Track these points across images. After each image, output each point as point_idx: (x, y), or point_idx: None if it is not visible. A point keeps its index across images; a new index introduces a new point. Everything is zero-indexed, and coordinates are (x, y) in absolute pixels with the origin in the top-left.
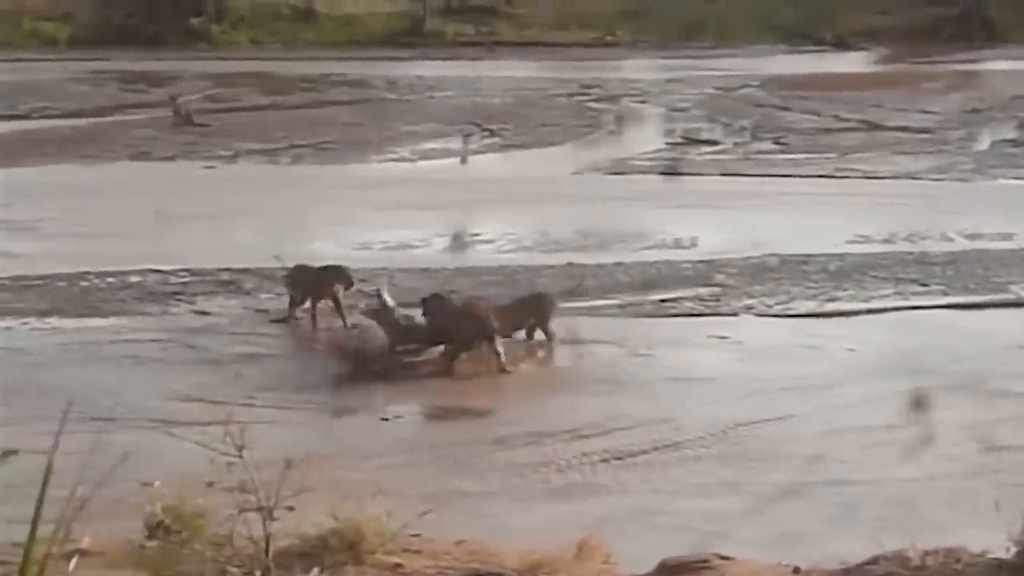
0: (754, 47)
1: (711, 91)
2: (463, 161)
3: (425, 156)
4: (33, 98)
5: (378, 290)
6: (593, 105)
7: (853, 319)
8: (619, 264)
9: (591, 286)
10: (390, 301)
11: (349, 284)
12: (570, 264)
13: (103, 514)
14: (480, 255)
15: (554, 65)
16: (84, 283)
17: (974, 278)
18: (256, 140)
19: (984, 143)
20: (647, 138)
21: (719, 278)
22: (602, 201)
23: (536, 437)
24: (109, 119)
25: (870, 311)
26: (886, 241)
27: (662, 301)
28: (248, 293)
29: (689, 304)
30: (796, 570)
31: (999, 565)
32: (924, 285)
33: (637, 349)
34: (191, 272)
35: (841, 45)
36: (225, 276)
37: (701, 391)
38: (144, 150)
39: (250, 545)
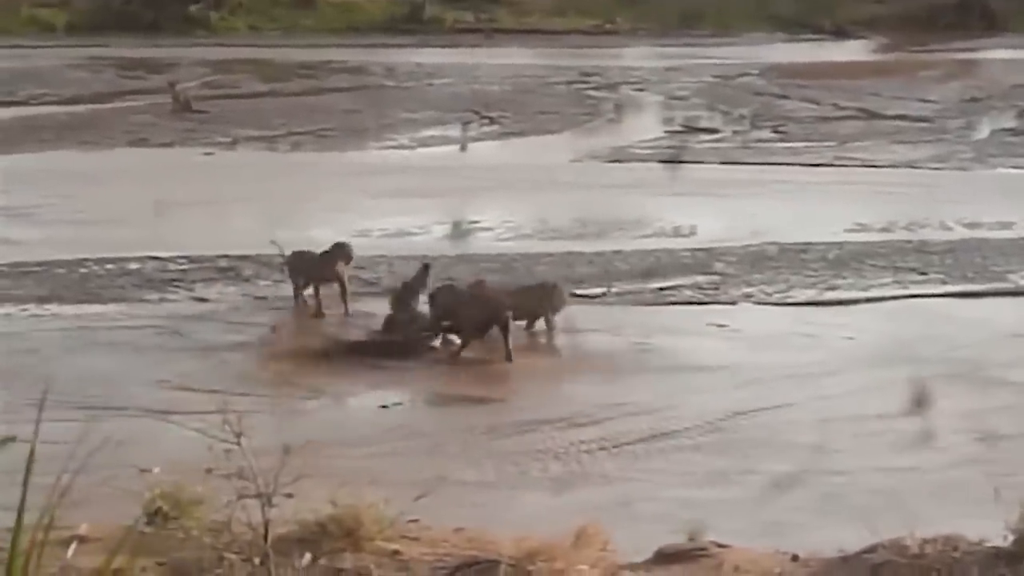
0: (753, 35)
1: (710, 79)
2: (462, 149)
3: (424, 143)
4: (31, 84)
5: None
6: (592, 93)
7: (852, 307)
8: (618, 252)
9: (589, 273)
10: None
11: (348, 260)
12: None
13: (101, 501)
14: (479, 243)
15: (553, 53)
16: (83, 270)
17: (973, 267)
18: (255, 127)
19: (983, 132)
20: (646, 126)
21: (718, 266)
22: (601, 189)
23: (534, 425)
24: (107, 105)
25: (869, 300)
26: (885, 230)
27: (661, 289)
28: (247, 280)
29: (688, 292)
30: (794, 558)
31: (996, 553)
32: (923, 274)
33: (635, 337)
34: (189, 259)
35: (840, 34)
36: (224, 263)
37: (699, 379)
38: (142, 136)
39: (248, 531)
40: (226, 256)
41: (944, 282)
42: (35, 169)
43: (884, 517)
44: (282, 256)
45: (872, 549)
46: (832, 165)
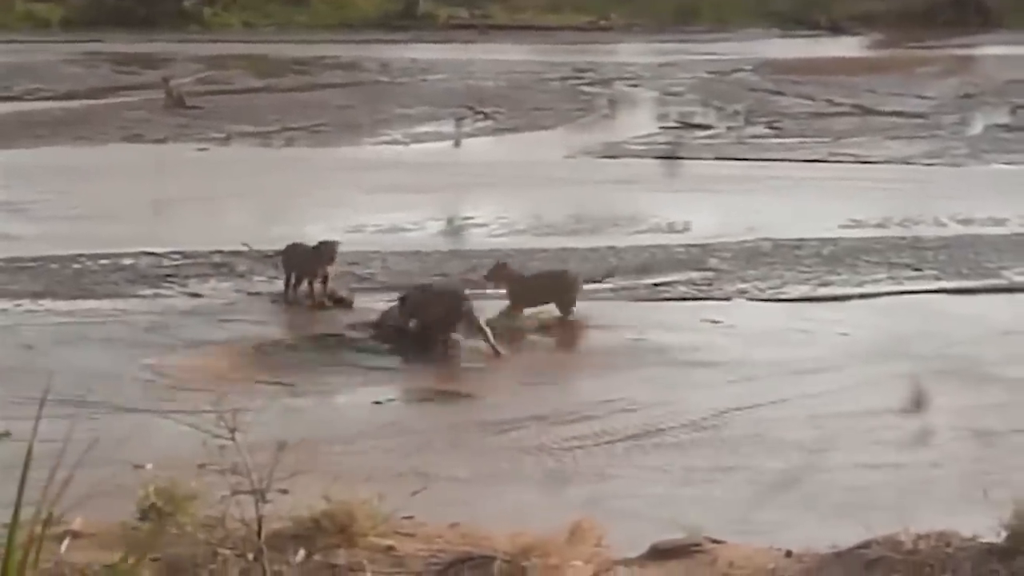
0: (748, 31)
1: (705, 75)
2: (456, 144)
3: (418, 139)
4: (26, 80)
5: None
6: (586, 89)
7: (846, 303)
8: (612, 248)
9: (583, 269)
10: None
11: (331, 260)
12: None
13: (95, 497)
14: (473, 238)
15: (547, 48)
16: (77, 265)
17: (967, 263)
18: (248, 122)
19: (978, 128)
20: (640, 122)
21: (712, 262)
22: (595, 185)
23: (528, 421)
24: (102, 101)
25: (863, 295)
26: (879, 226)
27: (655, 285)
28: (241, 276)
29: (682, 288)
30: (788, 554)
31: (990, 549)
32: (917, 270)
33: (629, 333)
34: (183, 255)
35: (835, 30)
36: (217, 258)
37: (693, 375)
38: (137, 132)
39: (242, 527)
40: (220, 252)
41: (938, 278)
42: (29, 165)
43: (878, 513)
44: (251, 249)
45: (866, 545)
46: (826, 161)
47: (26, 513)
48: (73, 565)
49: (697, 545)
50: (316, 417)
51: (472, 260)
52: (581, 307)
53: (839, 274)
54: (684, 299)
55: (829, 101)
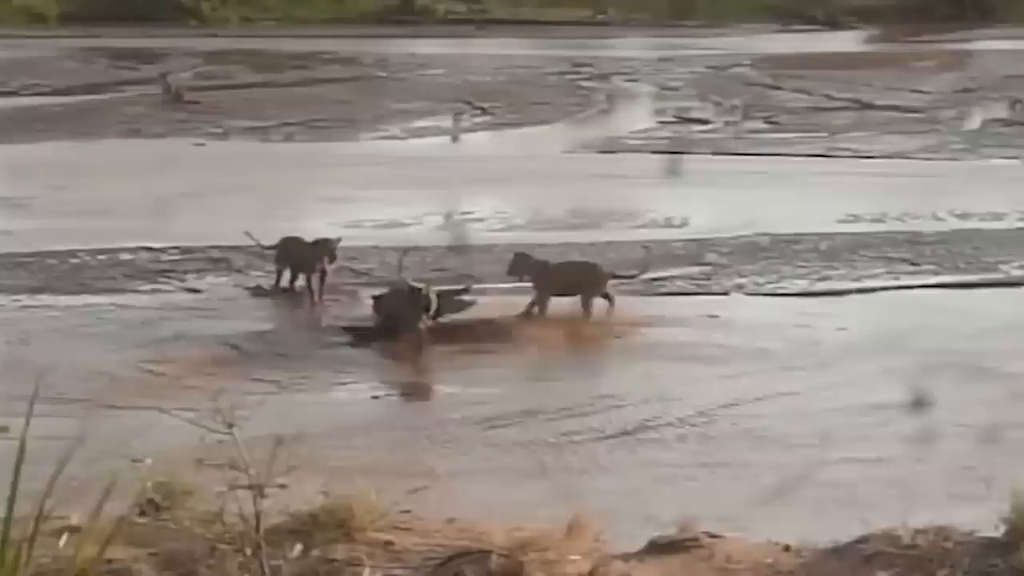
0: (746, 26)
1: (703, 70)
2: (454, 139)
3: (416, 134)
4: (24, 75)
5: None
6: (584, 84)
7: (844, 298)
8: (610, 243)
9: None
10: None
11: (332, 257)
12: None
13: (93, 491)
14: (471, 233)
15: (546, 43)
16: (75, 260)
17: (965, 257)
18: (247, 118)
19: (975, 123)
20: (638, 117)
21: (710, 257)
22: (593, 179)
23: (525, 416)
24: (100, 96)
25: (861, 290)
26: (877, 220)
27: (653, 280)
28: (239, 271)
29: (680, 283)
30: (786, 548)
31: (989, 544)
32: (915, 264)
33: (628, 327)
34: (181, 250)
35: (833, 24)
36: (216, 253)
37: (691, 370)
38: (135, 127)
39: (241, 522)
40: (218, 247)
41: (936, 273)
42: (27, 160)
43: (876, 507)
44: (260, 245)
45: (864, 539)
46: (824, 156)
47: (25, 508)
48: (71, 560)
49: (695, 540)
50: (312, 412)
51: (471, 255)
52: (571, 302)
53: (837, 269)
54: (682, 294)
55: (827, 96)
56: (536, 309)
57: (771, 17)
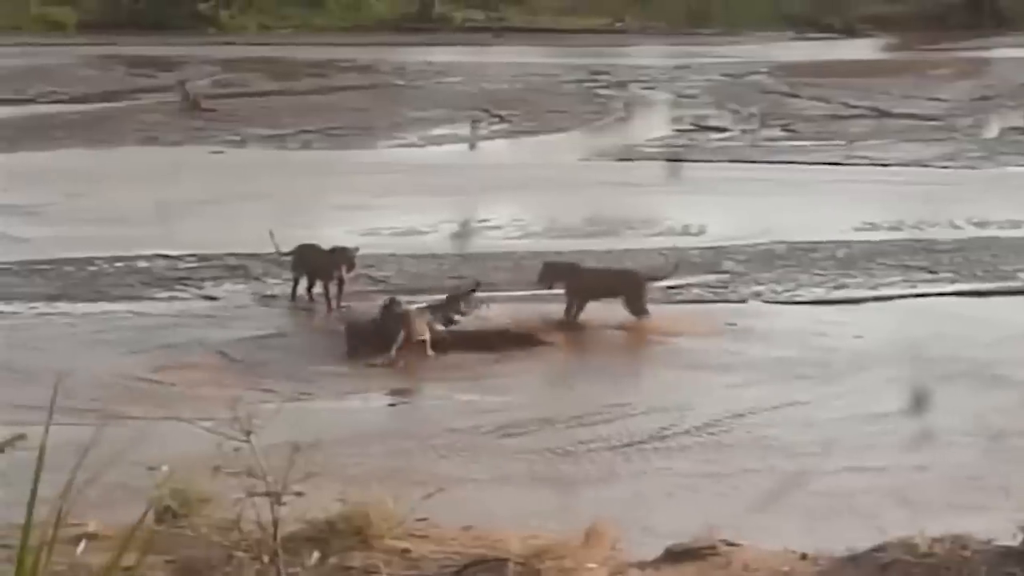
0: (762, 34)
1: (719, 78)
2: (471, 147)
3: (433, 142)
4: (41, 82)
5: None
6: (602, 91)
7: (861, 306)
8: (627, 251)
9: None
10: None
11: (351, 266)
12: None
13: (110, 498)
14: (488, 241)
15: (563, 51)
16: (92, 268)
17: (982, 266)
18: (264, 125)
19: (993, 131)
20: (655, 125)
21: (727, 265)
22: (610, 187)
23: (541, 424)
24: (117, 104)
25: (878, 298)
26: (894, 228)
27: (670, 288)
28: (256, 278)
29: (697, 291)
30: (803, 556)
31: (1006, 552)
32: (932, 272)
33: (644, 335)
34: (199, 257)
35: (850, 32)
36: (232, 261)
37: (708, 379)
38: (152, 135)
39: (258, 530)
40: (235, 254)
41: (953, 281)
42: (45, 167)
43: (891, 515)
44: (280, 253)
45: (881, 548)
46: (841, 164)
47: (39, 515)
48: (89, 567)
49: (712, 547)
50: (328, 420)
51: (488, 263)
52: (597, 309)
53: (854, 277)
54: (699, 302)
55: (844, 104)
56: (573, 313)
57: (787, 25)
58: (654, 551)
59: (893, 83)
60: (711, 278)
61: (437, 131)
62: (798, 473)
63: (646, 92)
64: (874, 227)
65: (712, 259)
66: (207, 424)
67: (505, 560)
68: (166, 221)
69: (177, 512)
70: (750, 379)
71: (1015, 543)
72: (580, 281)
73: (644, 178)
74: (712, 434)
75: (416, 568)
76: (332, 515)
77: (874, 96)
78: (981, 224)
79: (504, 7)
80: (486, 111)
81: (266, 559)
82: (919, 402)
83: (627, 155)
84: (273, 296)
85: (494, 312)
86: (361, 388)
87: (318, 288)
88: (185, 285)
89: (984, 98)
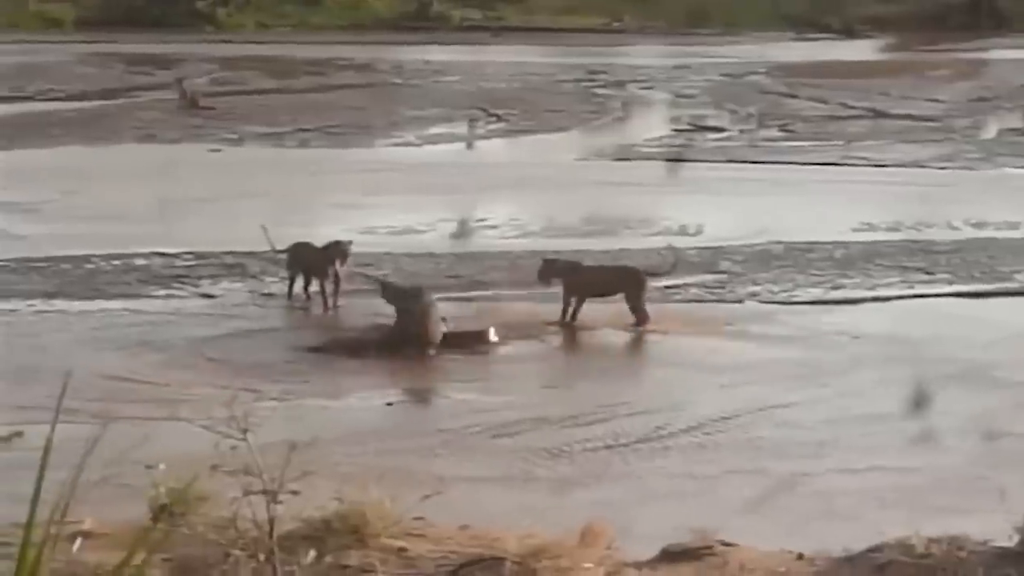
0: (761, 34)
1: (718, 78)
2: (469, 146)
3: (431, 141)
4: (39, 80)
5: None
6: (599, 91)
7: (858, 307)
8: (624, 250)
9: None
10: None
11: (344, 259)
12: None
13: (106, 497)
14: (485, 240)
15: (561, 50)
16: (89, 265)
17: (979, 267)
18: (262, 123)
19: (991, 132)
20: (653, 124)
21: (724, 265)
22: (608, 187)
23: (537, 423)
24: (115, 101)
25: (875, 299)
26: (891, 229)
27: (667, 287)
28: (253, 276)
29: (694, 291)
30: (800, 556)
31: (1003, 553)
32: (929, 273)
33: (641, 335)
34: (196, 255)
35: (848, 33)
36: (230, 259)
37: (705, 378)
38: (150, 133)
39: (254, 528)
40: (232, 252)
41: (951, 282)
42: (42, 165)
43: (887, 516)
44: (275, 251)
45: (878, 548)
46: (839, 164)
47: (39, 512)
48: (85, 565)
49: (708, 548)
50: (324, 418)
51: (485, 261)
52: (594, 309)
53: (851, 277)
54: (696, 302)
55: (842, 104)
56: (571, 312)
57: (786, 25)
58: (649, 551)
59: (891, 84)
60: (708, 278)
61: (434, 130)
62: (794, 473)
63: (644, 92)
64: (872, 228)
65: (709, 259)
66: (204, 422)
67: (502, 559)
68: (164, 219)
69: (174, 510)
70: (747, 379)
71: (1011, 544)
72: (580, 278)
73: (642, 178)
74: (708, 434)
75: (412, 567)
76: (328, 514)
77: (872, 97)
78: (978, 225)
79: (502, 6)
80: (484, 110)
81: (262, 557)
82: (916, 403)
83: (625, 155)
84: (270, 294)
85: (493, 313)
86: (358, 387)
87: (314, 286)
88: (182, 283)
89: (982, 99)
